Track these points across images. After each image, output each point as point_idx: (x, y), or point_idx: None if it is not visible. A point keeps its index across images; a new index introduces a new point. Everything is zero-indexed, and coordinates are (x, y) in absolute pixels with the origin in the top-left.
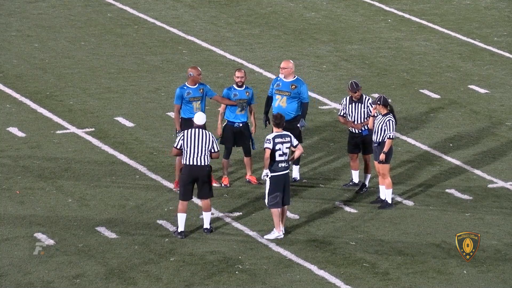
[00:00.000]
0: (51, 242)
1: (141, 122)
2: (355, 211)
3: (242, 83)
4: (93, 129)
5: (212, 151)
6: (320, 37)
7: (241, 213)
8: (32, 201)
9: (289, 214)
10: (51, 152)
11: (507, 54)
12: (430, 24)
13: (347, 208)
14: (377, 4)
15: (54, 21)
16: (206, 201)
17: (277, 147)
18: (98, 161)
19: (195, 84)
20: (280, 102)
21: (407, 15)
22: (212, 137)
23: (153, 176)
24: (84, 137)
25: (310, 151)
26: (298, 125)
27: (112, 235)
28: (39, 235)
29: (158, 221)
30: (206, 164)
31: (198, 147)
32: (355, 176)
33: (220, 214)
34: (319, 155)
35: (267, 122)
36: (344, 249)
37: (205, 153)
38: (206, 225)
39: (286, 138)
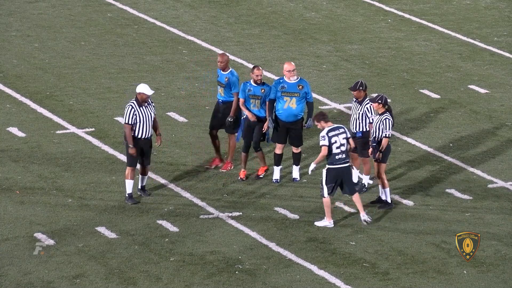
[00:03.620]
0: (51, 242)
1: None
2: (355, 211)
3: (261, 81)
4: (93, 129)
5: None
6: (320, 37)
7: (241, 213)
8: (32, 201)
9: (289, 214)
10: (51, 152)
11: (507, 54)
12: (430, 24)
13: (347, 208)
14: (377, 4)
15: (54, 21)
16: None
17: (333, 140)
18: (98, 161)
19: (224, 70)
20: (289, 104)
21: (407, 15)
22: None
23: (153, 176)
24: (84, 137)
25: (310, 151)
26: (306, 126)
27: (112, 235)
28: (39, 235)
29: (158, 221)
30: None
31: None
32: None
33: (220, 214)
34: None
35: (274, 125)
36: (344, 249)
37: None
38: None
39: (340, 130)
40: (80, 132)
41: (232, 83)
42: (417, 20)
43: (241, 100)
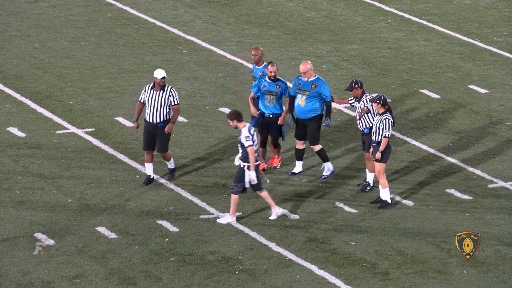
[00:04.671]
0: (51, 242)
1: (141, 122)
2: (355, 211)
3: (275, 77)
4: (93, 129)
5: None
6: (320, 37)
7: (241, 213)
8: (32, 201)
9: (289, 214)
10: (51, 152)
11: (507, 54)
12: (430, 24)
13: (347, 208)
14: (377, 4)
15: (54, 21)
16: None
17: (254, 138)
18: (98, 161)
19: (259, 64)
20: (299, 101)
21: (407, 15)
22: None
23: (154, 176)
24: (84, 137)
25: (310, 151)
26: (323, 124)
27: (112, 235)
28: (39, 235)
29: (158, 221)
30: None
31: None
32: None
33: (220, 214)
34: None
35: (294, 122)
36: (344, 249)
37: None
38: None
39: (254, 128)
40: (80, 132)
41: (264, 77)
42: (417, 20)
43: (251, 94)
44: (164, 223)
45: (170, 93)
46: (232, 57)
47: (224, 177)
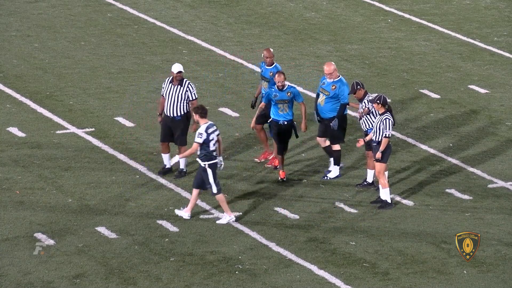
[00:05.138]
0: (51, 242)
1: (141, 122)
2: (355, 211)
3: (283, 86)
4: (93, 129)
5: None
6: (320, 37)
7: (241, 213)
8: (32, 201)
9: (288, 214)
10: (51, 152)
11: (507, 54)
12: (430, 24)
13: (347, 208)
14: (377, 4)
15: (54, 21)
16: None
17: (211, 137)
18: (98, 161)
19: (270, 65)
20: (320, 100)
21: (407, 15)
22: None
23: (153, 176)
24: (84, 137)
25: (310, 151)
26: (331, 124)
27: (112, 235)
28: (39, 235)
29: (158, 221)
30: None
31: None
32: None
33: (220, 214)
34: (320, 155)
35: (318, 118)
36: (344, 249)
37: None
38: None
39: (214, 127)
40: (80, 132)
41: (272, 80)
42: (417, 20)
43: (262, 104)
44: (164, 223)
45: (188, 88)
46: (232, 57)
47: (223, 177)
